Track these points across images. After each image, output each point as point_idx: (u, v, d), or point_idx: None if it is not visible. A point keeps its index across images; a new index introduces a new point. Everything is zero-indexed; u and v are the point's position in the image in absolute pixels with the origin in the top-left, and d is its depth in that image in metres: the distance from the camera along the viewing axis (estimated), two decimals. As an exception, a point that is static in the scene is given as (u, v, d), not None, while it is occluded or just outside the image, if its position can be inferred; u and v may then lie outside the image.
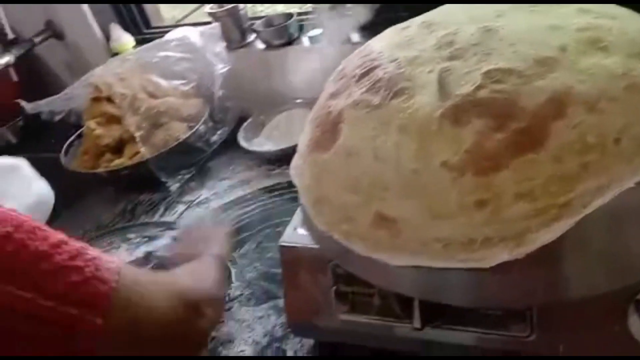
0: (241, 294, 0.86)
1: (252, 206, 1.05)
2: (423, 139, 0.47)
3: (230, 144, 1.23)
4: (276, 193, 1.07)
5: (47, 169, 1.44)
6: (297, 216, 0.67)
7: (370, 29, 1.07)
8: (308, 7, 1.23)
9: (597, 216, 0.43)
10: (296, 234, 0.65)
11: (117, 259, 0.47)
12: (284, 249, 0.65)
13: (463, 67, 0.50)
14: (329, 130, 0.57)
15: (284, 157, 1.12)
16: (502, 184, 0.44)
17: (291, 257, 0.65)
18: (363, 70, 0.57)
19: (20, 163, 1.12)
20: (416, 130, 0.48)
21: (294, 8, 1.32)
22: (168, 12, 2.04)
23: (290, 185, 1.06)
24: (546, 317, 0.53)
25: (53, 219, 1.24)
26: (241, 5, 1.23)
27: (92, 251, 0.45)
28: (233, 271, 0.90)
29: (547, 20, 0.53)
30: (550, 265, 0.45)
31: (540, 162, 0.43)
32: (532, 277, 0.46)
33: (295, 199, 1.00)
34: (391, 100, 0.51)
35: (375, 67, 0.56)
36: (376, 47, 0.60)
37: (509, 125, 0.44)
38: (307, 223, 0.61)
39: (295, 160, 0.65)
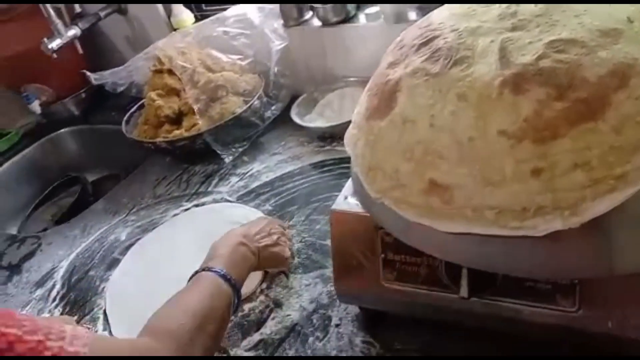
0: (290, 263, 0.88)
1: (302, 180, 1.08)
2: (482, 107, 0.48)
3: (283, 119, 1.26)
4: (325, 169, 1.09)
5: (109, 138, 1.51)
6: (348, 186, 0.68)
7: (427, 8, 1.06)
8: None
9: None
10: (347, 202, 0.66)
11: (86, 333, 0.50)
12: (334, 215, 0.66)
13: (526, 37, 0.49)
14: (385, 99, 0.57)
15: (334, 134, 1.13)
16: (559, 153, 0.43)
17: (341, 223, 0.66)
18: (422, 40, 0.58)
19: None
20: (475, 99, 0.48)
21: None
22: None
23: (339, 161, 1.09)
24: (594, 292, 0.52)
25: (115, 185, 1.30)
26: (300, -17, 1.24)
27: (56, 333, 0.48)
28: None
29: (614, -6, 0.52)
30: (601, 237, 0.45)
31: (599, 132, 0.43)
32: (582, 248, 0.45)
33: (343, 175, 1.02)
34: (450, 69, 0.52)
35: (435, 37, 0.56)
36: (436, 19, 0.60)
37: (569, 95, 0.44)
38: (358, 191, 0.63)
39: (350, 130, 0.66)
